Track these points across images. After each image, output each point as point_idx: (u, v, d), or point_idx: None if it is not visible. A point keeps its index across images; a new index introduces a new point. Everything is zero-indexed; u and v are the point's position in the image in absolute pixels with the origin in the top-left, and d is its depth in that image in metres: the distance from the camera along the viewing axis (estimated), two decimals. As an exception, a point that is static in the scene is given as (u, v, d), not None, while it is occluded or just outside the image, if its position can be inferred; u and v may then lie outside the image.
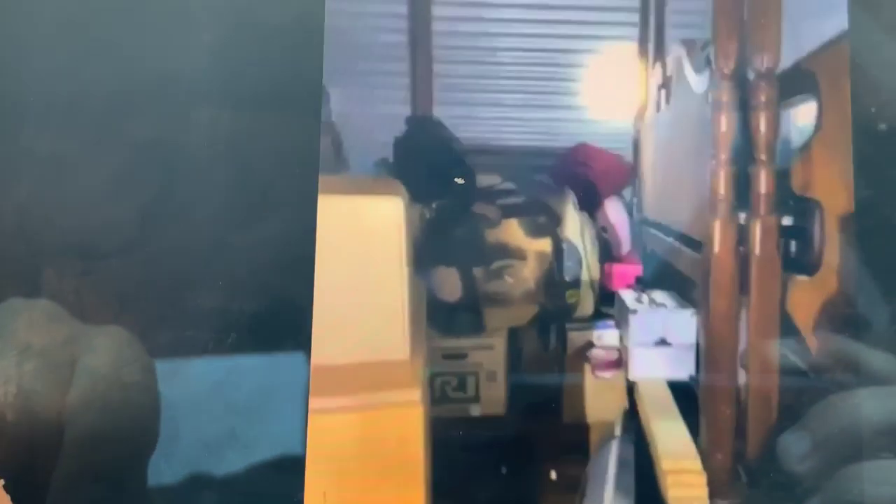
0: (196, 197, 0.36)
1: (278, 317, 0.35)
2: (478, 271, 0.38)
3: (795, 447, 0.32)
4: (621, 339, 0.38)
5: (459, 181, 0.43)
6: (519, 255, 0.38)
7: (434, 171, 0.43)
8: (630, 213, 0.43)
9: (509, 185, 0.43)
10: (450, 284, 0.37)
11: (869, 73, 0.34)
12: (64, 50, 0.37)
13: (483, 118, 0.51)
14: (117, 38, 0.37)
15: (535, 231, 0.39)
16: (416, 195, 0.44)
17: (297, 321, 0.34)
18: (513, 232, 0.39)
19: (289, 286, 0.35)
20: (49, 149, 0.36)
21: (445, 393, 0.37)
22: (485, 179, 0.44)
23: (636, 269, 0.41)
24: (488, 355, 0.37)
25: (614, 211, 0.43)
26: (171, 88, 0.37)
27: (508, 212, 0.40)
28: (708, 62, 0.36)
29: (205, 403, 0.35)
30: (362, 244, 0.27)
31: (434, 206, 0.40)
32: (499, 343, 0.36)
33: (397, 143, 0.44)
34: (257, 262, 0.36)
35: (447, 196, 0.42)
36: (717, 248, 0.36)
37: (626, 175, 0.45)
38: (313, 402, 0.27)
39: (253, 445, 0.35)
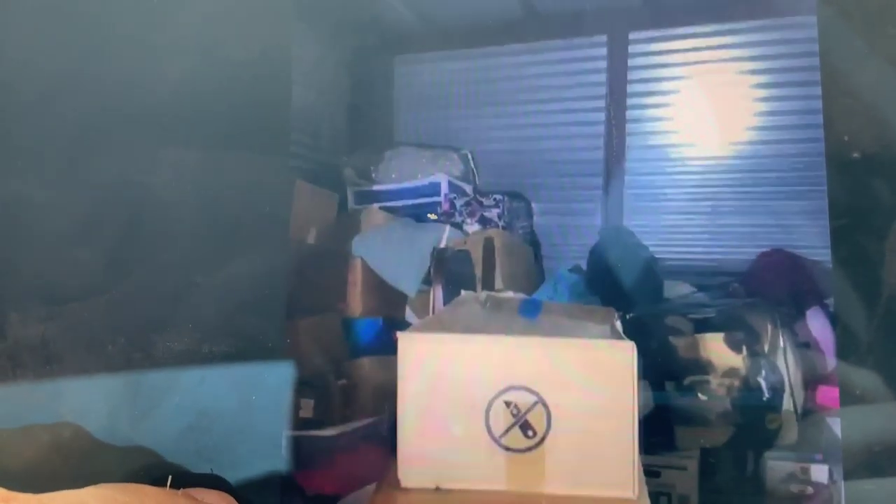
0: (163, 238, 0.30)
1: (249, 357, 0.29)
2: (669, 386, 0.31)
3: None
4: (831, 474, 0.28)
5: (433, 217, 0.36)
6: (713, 371, 0.30)
7: (624, 279, 0.36)
8: (835, 326, 0.33)
9: (702, 297, 0.35)
10: (640, 398, 0.30)
11: (841, 101, 0.27)
12: (27, 90, 0.31)
13: (672, 226, 0.43)
14: (82, 77, 0.31)
15: (732, 346, 0.31)
16: (607, 302, 0.37)
17: (269, 361, 0.28)
18: (707, 346, 0.31)
19: (259, 326, 0.29)
20: (12, 191, 0.30)
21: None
22: (675, 289, 0.36)
23: (846, 392, 0.31)
24: (681, 476, 0.29)
25: (817, 323, 0.33)
26: (137, 128, 0.30)
27: (702, 325, 0.32)
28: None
29: (176, 448, 0.28)
30: (596, 386, 0.22)
31: (626, 315, 0.34)
32: (692, 465, 0.29)
33: (591, 252, 0.38)
34: (227, 303, 0.29)
35: (638, 305, 0.35)
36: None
37: (829, 284, 0.35)
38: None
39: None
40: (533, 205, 0.43)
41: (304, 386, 0.32)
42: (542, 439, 0.22)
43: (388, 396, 0.32)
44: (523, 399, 0.23)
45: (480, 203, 0.39)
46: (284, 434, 0.29)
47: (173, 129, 0.30)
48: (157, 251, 0.30)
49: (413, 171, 0.39)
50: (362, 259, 0.35)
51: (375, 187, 0.38)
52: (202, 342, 0.29)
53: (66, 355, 0.29)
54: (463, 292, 0.30)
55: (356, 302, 0.34)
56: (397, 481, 0.22)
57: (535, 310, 0.29)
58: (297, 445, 0.30)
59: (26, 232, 0.30)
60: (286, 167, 0.31)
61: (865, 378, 0.26)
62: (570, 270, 0.39)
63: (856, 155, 0.27)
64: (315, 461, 0.30)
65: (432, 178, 0.38)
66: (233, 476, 0.28)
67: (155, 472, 0.27)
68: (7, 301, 0.30)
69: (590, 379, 0.22)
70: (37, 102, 0.31)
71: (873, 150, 0.27)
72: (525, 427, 0.23)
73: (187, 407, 0.29)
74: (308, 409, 0.31)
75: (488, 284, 0.37)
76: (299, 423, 0.31)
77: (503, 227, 0.39)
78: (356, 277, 0.34)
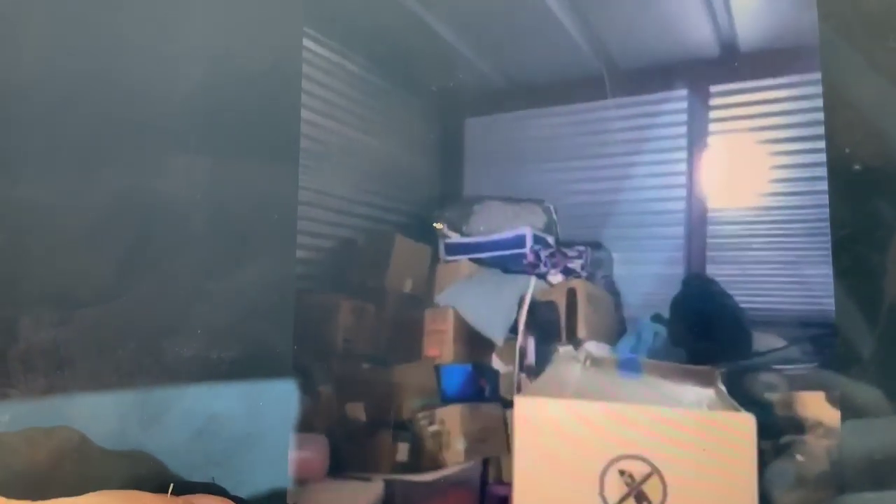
0: (174, 245, 0.29)
1: (258, 364, 0.28)
2: (764, 445, 0.29)
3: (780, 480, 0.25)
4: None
5: (438, 226, 0.35)
6: (810, 429, 0.29)
7: (710, 330, 0.35)
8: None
9: (795, 351, 0.33)
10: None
11: (843, 113, 0.27)
12: (40, 98, 0.30)
13: (757, 276, 0.41)
14: (93, 85, 0.30)
15: (831, 402, 0.29)
16: (693, 354, 0.36)
17: (277, 368, 0.28)
18: (803, 403, 0.29)
19: (268, 333, 0.29)
20: (24, 196, 0.30)
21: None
22: (765, 342, 0.35)
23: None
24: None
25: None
26: (148, 136, 0.30)
27: (796, 381, 0.30)
28: None
29: (185, 453, 0.28)
30: (714, 458, 0.21)
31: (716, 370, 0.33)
32: (791, 530, 0.27)
33: (673, 302, 0.37)
34: (236, 310, 0.29)
35: (727, 358, 0.34)
36: None
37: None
38: None
39: (235, 491, 0.27)
40: (613, 255, 0.42)
41: (399, 430, 0.32)
42: (659, 511, 0.22)
43: (477, 442, 0.32)
44: (638, 469, 0.22)
45: (564, 254, 0.39)
46: (291, 443, 0.28)
47: (183, 138, 0.30)
48: (168, 258, 0.30)
49: (499, 224, 0.39)
50: (453, 308, 0.35)
51: (465, 240, 0.39)
52: (211, 348, 0.29)
53: (78, 360, 0.29)
54: (561, 349, 0.29)
55: (447, 349, 0.34)
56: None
57: (636, 369, 0.28)
58: (394, 488, 0.31)
59: (38, 237, 0.30)
60: (294, 176, 0.30)
61: (866, 390, 0.25)
62: (653, 319, 0.38)
63: (857, 167, 0.26)
64: (410, 505, 0.31)
65: (517, 231, 0.39)
66: (240, 482, 0.27)
67: (155, 479, 0.27)
68: (20, 305, 0.29)
69: (708, 450, 0.21)
70: (49, 110, 0.30)
71: (875, 162, 0.26)
72: (640, 497, 0.22)
73: (197, 411, 0.28)
74: (403, 452, 0.32)
75: (571, 334, 0.36)
76: (395, 466, 0.31)
77: (585, 278, 0.39)
78: (447, 326, 0.34)
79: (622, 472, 0.21)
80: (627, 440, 0.22)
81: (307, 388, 0.31)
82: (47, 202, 0.30)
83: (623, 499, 0.21)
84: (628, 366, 0.28)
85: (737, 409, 0.21)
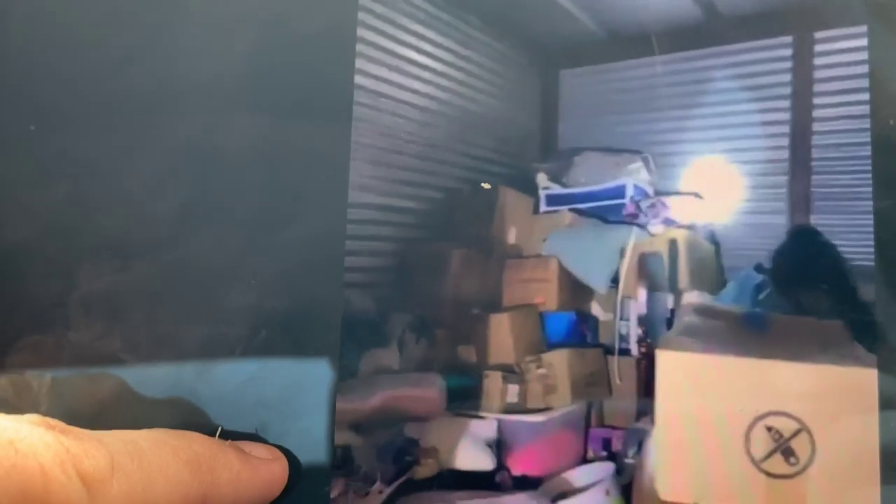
0: (230, 198, 0.30)
1: (308, 316, 0.29)
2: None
3: None
4: None
5: (486, 186, 0.34)
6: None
7: (816, 282, 0.34)
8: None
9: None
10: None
11: (888, 86, 0.26)
12: (102, 53, 0.31)
13: (863, 226, 0.40)
14: (154, 42, 0.31)
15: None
16: (798, 306, 0.35)
17: (326, 320, 0.28)
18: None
19: (318, 286, 0.29)
20: (86, 149, 0.30)
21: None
22: (869, 294, 0.34)
23: None
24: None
25: None
26: (206, 93, 0.30)
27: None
28: None
29: (235, 399, 0.28)
30: (867, 416, 0.21)
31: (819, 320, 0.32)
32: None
33: (777, 252, 0.36)
34: (289, 263, 0.29)
35: (827, 307, 0.33)
36: None
37: None
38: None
39: (281, 442, 0.28)
40: (713, 204, 0.41)
41: (509, 372, 0.33)
42: (806, 467, 0.21)
43: (582, 386, 0.32)
44: (786, 425, 0.22)
45: (664, 204, 0.38)
46: (332, 393, 0.29)
47: (240, 98, 0.30)
48: (223, 211, 0.30)
49: (599, 175, 0.38)
50: (556, 257, 0.35)
51: (565, 191, 0.39)
52: (263, 298, 0.29)
53: (136, 306, 0.29)
54: (682, 301, 0.29)
55: (551, 297, 0.35)
56: (654, 492, 0.22)
57: (763, 324, 0.28)
58: (505, 427, 0.32)
59: (99, 188, 0.30)
60: (347, 134, 0.31)
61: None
62: (755, 269, 0.37)
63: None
64: (520, 444, 0.32)
65: (617, 182, 0.38)
66: (285, 429, 0.28)
67: (198, 428, 0.27)
68: (80, 253, 0.30)
69: (860, 408, 0.21)
70: (112, 69, 0.31)
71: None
72: (787, 453, 0.22)
73: (247, 360, 0.29)
74: (513, 394, 0.33)
75: (673, 285, 0.36)
76: (506, 407, 0.32)
77: (686, 228, 0.38)
78: (551, 275, 0.35)
79: (769, 429, 0.21)
80: (773, 396, 0.21)
81: (423, 331, 0.32)
82: (107, 154, 0.31)
83: (770, 454, 0.21)
84: (754, 320, 0.27)
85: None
